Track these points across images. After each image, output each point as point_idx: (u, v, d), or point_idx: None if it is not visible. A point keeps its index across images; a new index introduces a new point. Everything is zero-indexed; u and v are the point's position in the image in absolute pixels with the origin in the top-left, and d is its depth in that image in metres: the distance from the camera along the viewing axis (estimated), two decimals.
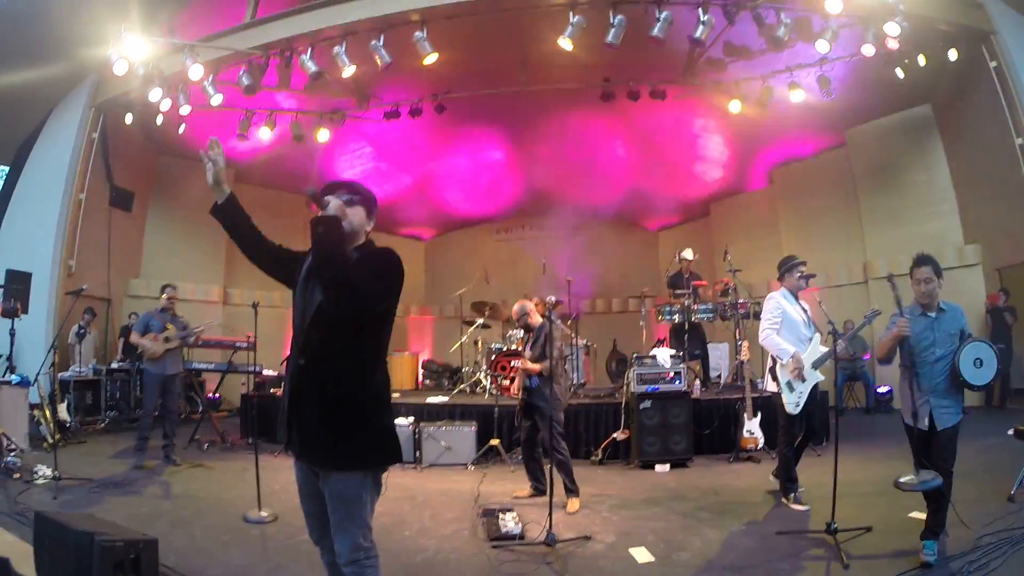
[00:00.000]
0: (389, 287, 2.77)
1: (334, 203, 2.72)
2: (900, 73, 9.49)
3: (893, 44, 8.35)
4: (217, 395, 11.37)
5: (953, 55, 9.28)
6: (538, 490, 6.16)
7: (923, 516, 4.86)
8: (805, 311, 5.73)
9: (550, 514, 4.71)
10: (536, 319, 6.47)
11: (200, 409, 9.87)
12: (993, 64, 9.27)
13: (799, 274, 5.71)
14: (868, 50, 8.46)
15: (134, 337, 7.70)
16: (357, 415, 2.68)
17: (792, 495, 5.76)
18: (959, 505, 5.12)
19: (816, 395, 5.69)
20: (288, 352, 2.93)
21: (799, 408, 5.53)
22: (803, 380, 5.49)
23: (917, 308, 4.48)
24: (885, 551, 4.32)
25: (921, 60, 9.28)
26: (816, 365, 5.53)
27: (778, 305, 5.67)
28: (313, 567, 4.26)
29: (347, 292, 2.60)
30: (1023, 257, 9.93)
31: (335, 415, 2.65)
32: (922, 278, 4.39)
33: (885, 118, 11.61)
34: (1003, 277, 10.51)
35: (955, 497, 5.34)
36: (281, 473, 7.09)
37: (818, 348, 5.59)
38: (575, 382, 9.86)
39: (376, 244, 2.91)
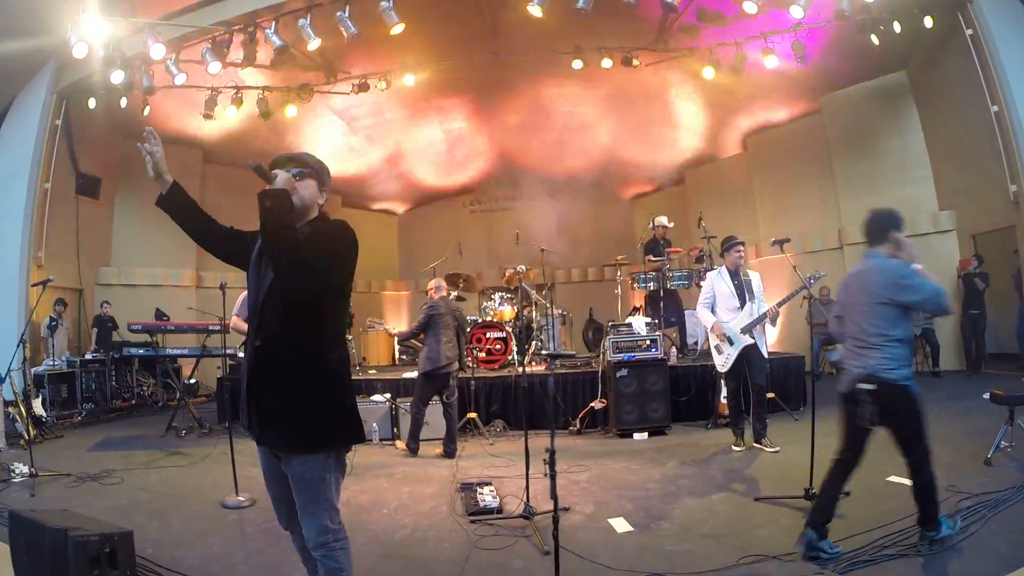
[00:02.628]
0: (342, 262, 2.70)
1: (282, 176, 2.63)
2: (875, 40, 9.42)
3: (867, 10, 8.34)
4: (193, 380, 11.25)
5: (929, 22, 9.26)
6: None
7: (903, 480, 4.94)
8: (746, 283, 6.57)
9: (527, 487, 4.70)
10: (431, 297, 7.32)
11: (177, 396, 9.74)
12: (969, 31, 9.27)
13: (736, 253, 6.62)
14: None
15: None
16: (316, 395, 2.62)
17: (740, 438, 6.66)
18: (941, 469, 5.18)
19: (754, 356, 6.49)
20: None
21: (726, 367, 6.57)
22: (730, 344, 6.49)
23: None
24: (864, 515, 4.34)
25: (896, 27, 9.21)
26: (745, 330, 6.44)
27: (710, 284, 6.76)
28: (292, 549, 4.23)
29: (296, 268, 2.51)
30: (997, 223, 10.03)
31: (294, 396, 2.59)
32: None
33: (860, 85, 11.62)
34: (977, 243, 10.62)
35: (936, 461, 5.41)
36: (258, 456, 7.08)
37: (748, 316, 6.46)
38: (551, 350, 9.88)
39: (331, 217, 2.83)
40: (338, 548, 2.70)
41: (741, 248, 6.67)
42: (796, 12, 8.49)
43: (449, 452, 6.99)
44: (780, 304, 6.37)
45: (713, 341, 6.69)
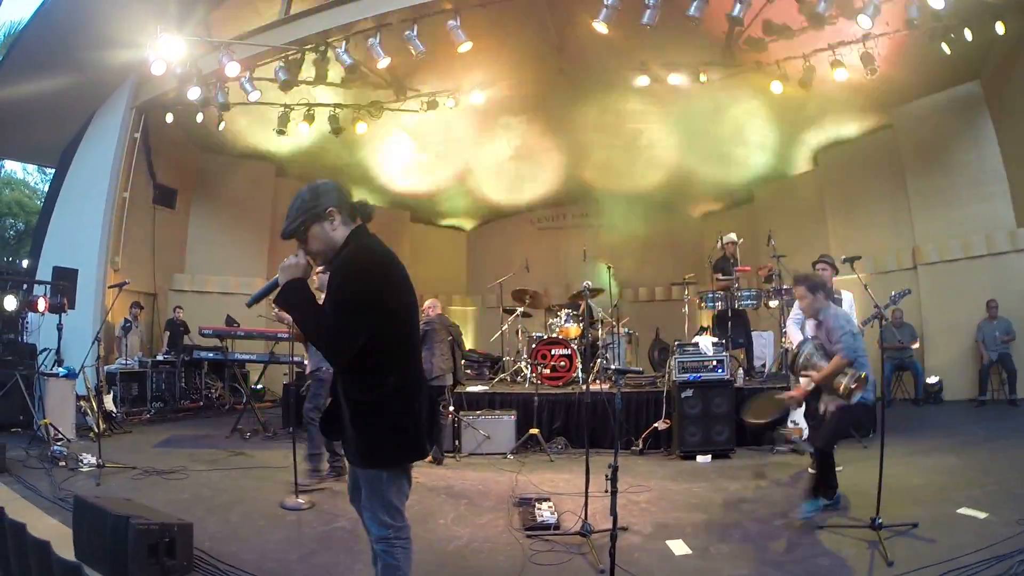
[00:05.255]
0: (364, 310, 2.66)
1: (285, 264, 2.75)
2: (946, 48, 9.00)
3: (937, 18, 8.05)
4: (260, 386, 11.56)
5: (1000, 29, 8.81)
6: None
7: (973, 513, 4.76)
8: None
9: (585, 505, 4.66)
10: (427, 314, 7.80)
11: (244, 400, 10.03)
12: None
13: (819, 269, 6.36)
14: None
15: None
16: (372, 418, 2.75)
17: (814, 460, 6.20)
18: (1014, 501, 4.91)
19: None
20: None
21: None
22: None
23: None
24: (931, 548, 4.13)
25: (968, 34, 8.81)
26: None
27: None
28: (346, 553, 4.29)
29: (329, 345, 2.74)
30: None
31: (355, 419, 2.77)
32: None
33: (932, 96, 11.08)
34: None
35: (1010, 494, 5.17)
36: (320, 462, 7.18)
37: None
38: (618, 366, 9.75)
39: (359, 246, 2.80)
40: (398, 546, 2.78)
41: (822, 265, 6.50)
42: (864, 22, 8.20)
43: (436, 459, 7.34)
44: (865, 323, 6.19)
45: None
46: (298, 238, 2.79)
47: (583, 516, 4.63)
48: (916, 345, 10.88)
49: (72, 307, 9.15)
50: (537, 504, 5.19)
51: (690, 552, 4.33)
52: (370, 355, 2.70)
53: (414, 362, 2.94)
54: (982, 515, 4.70)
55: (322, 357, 5.38)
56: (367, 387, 2.73)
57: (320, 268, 2.96)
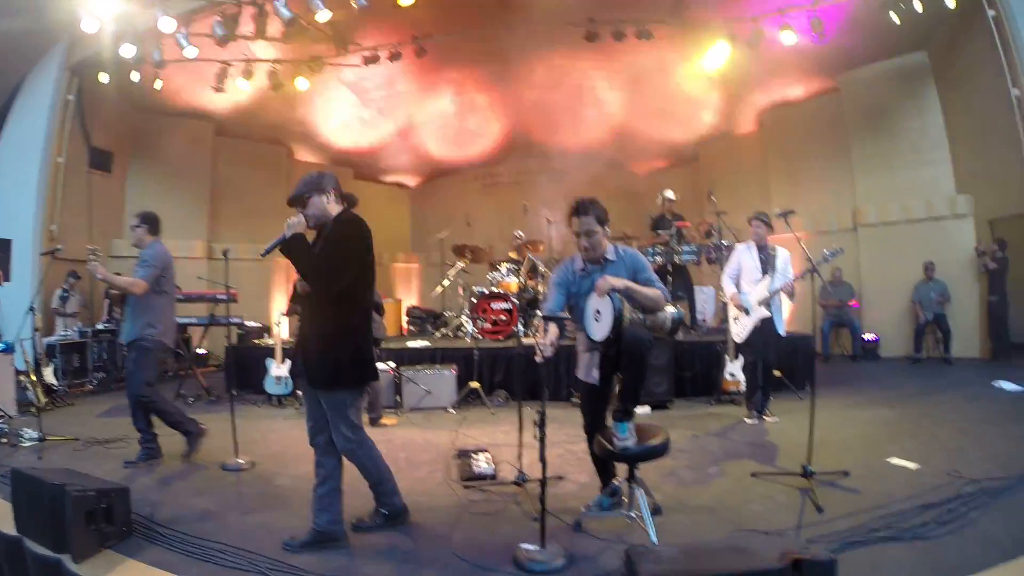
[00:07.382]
0: (349, 261, 3.63)
1: (291, 222, 3.63)
2: (895, 18, 9.19)
3: None
4: (204, 351, 11.38)
5: (951, 2, 8.98)
6: None
7: (904, 463, 4.95)
8: (770, 256, 6.60)
9: (519, 455, 4.76)
10: None
11: (186, 364, 9.87)
12: (991, 13, 8.95)
13: (752, 226, 6.76)
14: None
15: None
16: (339, 348, 3.64)
17: (754, 411, 6.80)
18: (945, 453, 5.14)
19: (769, 330, 6.55)
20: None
21: (742, 337, 6.76)
22: (747, 314, 6.63)
23: (577, 263, 4.12)
24: (861, 495, 4.29)
25: (917, 5, 8.96)
26: (761, 303, 6.51)
27: (737, 256, 6.86)
28: (284, 510, 4.32)
29: (319, 283, 3.63)
30: (1015, 209, 9.86)
31: (325, 351, 3.65)
32: (583, 230, 3.96)
33: (879, 63, 11.35)
34: (994, 228, 10.42)
35: (941, 446, 5.39)
36: (262, 422, 7.21)
37: (766, 289, 6.48)
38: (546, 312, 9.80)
39: (344, 217, 3.77)
40: (361, 453, 3.82)
41: (755, 223, 6.72)
42: None
43: (371, 419, 7.13)
44: (795, 279, 6.31)
45: (732, 313, 6.86)
46: (301, 204, 3.71)
47: (519, 466, 4.73)
48: (855, 304, 11.22)
49: (7, 279, 8.87)
50: (474, 455, 5.27)
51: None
52: (343, 297, 3.61)
53: (370, 309, 3.84)
54: (913, 465, 4.90)
55: (144, 325, 5.52)
56: (338, 320, 3.64)
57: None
